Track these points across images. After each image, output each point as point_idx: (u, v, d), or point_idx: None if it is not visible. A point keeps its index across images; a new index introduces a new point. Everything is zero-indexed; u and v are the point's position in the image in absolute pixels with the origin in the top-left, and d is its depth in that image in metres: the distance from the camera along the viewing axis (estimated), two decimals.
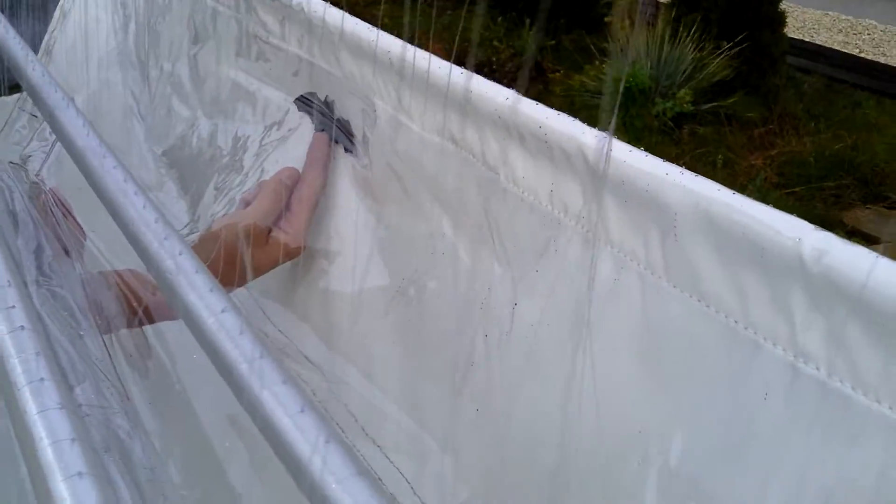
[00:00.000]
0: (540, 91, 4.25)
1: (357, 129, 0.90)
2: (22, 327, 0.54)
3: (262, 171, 1.01)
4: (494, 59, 4.38)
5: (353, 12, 0.94)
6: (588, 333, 0.63)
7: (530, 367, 0.68)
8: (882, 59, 5.37)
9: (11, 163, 1.15)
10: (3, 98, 1.47)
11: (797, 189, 3.54)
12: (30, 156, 1.24)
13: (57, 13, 1.51)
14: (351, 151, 0.92)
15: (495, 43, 4.48)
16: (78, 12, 1.47)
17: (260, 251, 0.92)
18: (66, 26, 1.48)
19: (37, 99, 0.87)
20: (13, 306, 0.58)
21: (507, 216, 0.71)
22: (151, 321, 0.88)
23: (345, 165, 0.93)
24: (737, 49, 4.00)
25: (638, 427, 0.60)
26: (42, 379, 0.50)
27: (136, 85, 1.35)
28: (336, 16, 0.90)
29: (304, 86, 0.99)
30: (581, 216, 0.64)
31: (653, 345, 0.59)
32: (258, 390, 0.47)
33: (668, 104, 3.92)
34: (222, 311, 0.53)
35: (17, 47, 0.96)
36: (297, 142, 0.99)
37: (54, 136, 1.29)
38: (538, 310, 0.67)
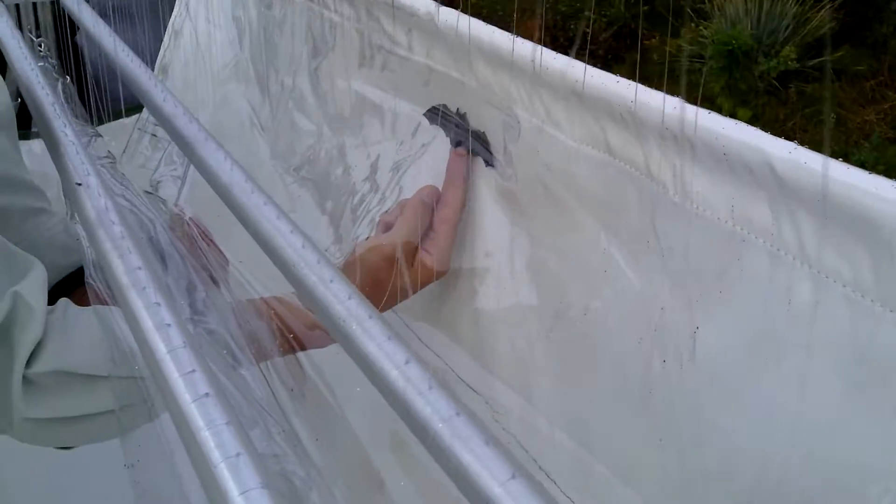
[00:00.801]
0: (635, 61, 4.15)
1: (497, 141, 0.87)
2: (207, 394, 0.53)
3: (400, 189, 0.99)
4: (587, 30, 4.30)
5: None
6: (787, 360, 0.59)
7: (720, 395, 0.64)
8: None
9: (147, 192, 1.14)
10: (122, 120, 1.48)
11: None
12: (160, 181, 1.24)
13: (168, 31, 1.51)
14: (492, 165, 0.89)
15: (586, 13, 4.40)
16: (190, 29, 1.46)
17: (406, 274, 0.90)
18: (180, 44, 1.48)
19: (167, 125, 0.86)
20: (182, 345, 0.57)
21: (680, 233, 0.67)
22: (303, 349, 0.87)
23: (486, 180, 0.90)
24: (840, 0, 3.85)
25: (855, 464, 0.56)
26: (238, 454, 0.48)
27: (254, 99, 1.34)
28: (471, 25, 0.87)
29: (435, 97, 0.96)
30: (770, 233, 0.60)
31: (869, 376, 0.54)
32: (459, 452, 0.45)
33: (773, 63, 3.79)
34: (406, 362, 0.51)
35: (142, 73, 0.95)
36: (433, 157, 0.97)
37: (186, 161, 1.29)
38: (725, 334, 0.63)
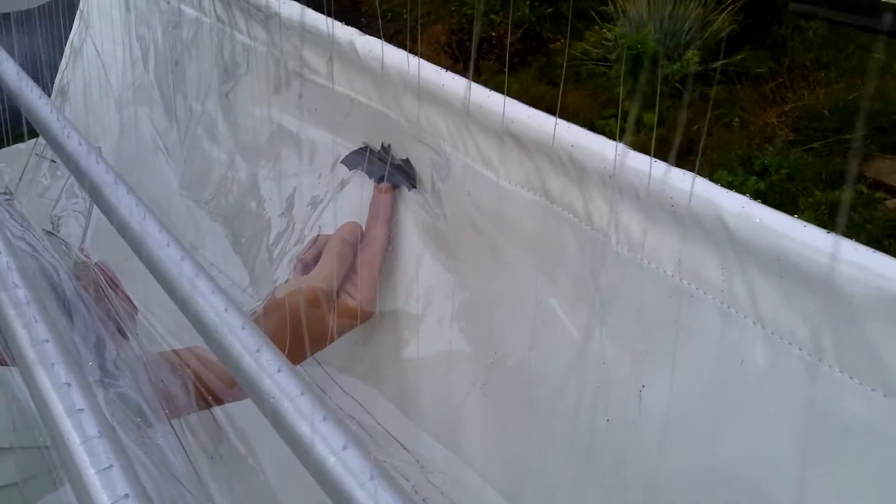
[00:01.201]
0: (543, 64, 4.16)
1: (425, 177, 0.84)
2: (111, 466, 0.49)
3: (319, 227, 0.95)
4: (493, 33, 4.29)
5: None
6: (740, 423, 0.57)
7: (669, 456, 0.62)
8: None
9: (48, 232, 1.08)
10: (17, 146, 1.40)
11: (815, 144, 3.47)
12: (61, 216, 1.17)
13: (67, 51, 1.44)
14: (415, 187, 0.85)
15: (492, 16, 4.39)
16: (90, 49, 1.39)
17: (328, 319, 0.86)
18: (79, 64, 1.41)
19: (71, 165, 0.80)
20: (82, 409, 0.53)
21: (623, 285, 0.64)
22: (220, 403, 0.83)
23: (414, 219, 0.86)
24: (741, 2, 3.92)
25: None
26: None
27: (161, 124, 1.28)
28: (396, 56, 0.83)
29: (358, 128, 0.92)
30: (720, 290, 0.57)
31: (825, 442, 0.52)
32: (350, 487, 0.42)
33: (676, 66, 3.83)
34: (278, 371, 0.49)
35: (34, 97, 0.88)
36: (355, 191, 0.93)
37: (90, 200, 1.22)
38: (674, 393, 0.61)
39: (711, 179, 0.60)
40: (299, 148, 1.01)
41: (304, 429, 0.48)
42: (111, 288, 0.90)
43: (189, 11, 1.16)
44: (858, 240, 0.51)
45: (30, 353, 0.57)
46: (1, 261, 0.69)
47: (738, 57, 3.94)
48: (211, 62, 1.13)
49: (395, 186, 0.88)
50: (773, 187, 3.06)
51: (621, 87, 3.56)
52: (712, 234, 0.57)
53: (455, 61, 4.22)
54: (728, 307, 0.57)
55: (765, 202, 0.56)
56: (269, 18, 1.01)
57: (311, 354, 0.89)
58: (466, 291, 0.81)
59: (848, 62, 4.07)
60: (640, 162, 0.61)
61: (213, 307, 0.58)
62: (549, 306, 0.71)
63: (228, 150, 1.11)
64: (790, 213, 0.55)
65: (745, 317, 0.56)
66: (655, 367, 0.62)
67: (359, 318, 0.86)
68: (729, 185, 0.57)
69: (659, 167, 0.60)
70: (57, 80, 1.45)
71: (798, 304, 0.53)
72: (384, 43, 0.86)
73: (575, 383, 0.69)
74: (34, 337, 0.59)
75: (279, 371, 0.53)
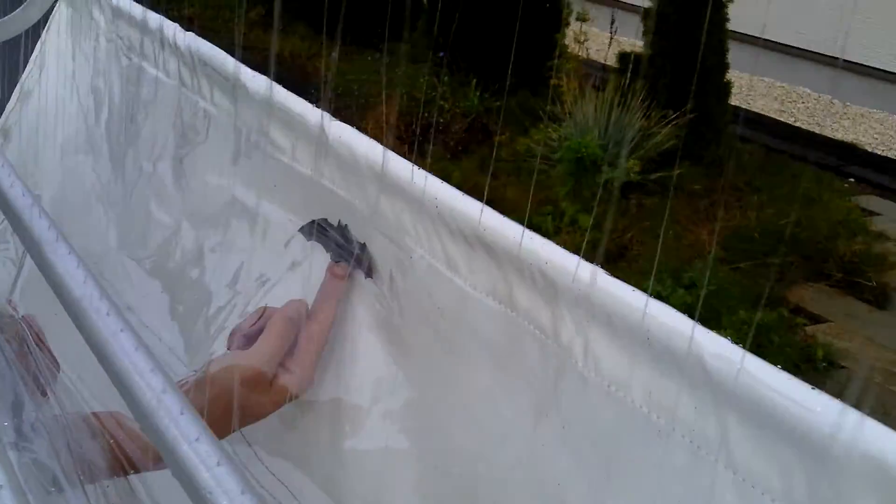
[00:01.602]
0: (485, 156, 4.19)
1: (384, 269, 0.81)
2: None
3: (266, 305, 0.91)
4: (441, 119, 4.33)
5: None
6: None
7: None
8: (817, 130, 5.45)
9: None
10: None
11: (742, 265, 3.53)
12: None
13: (16, 92, 1.39)
14: (371, 277, 0.83)
15: (441, 102, 4.43)
16: (41, 93, 1.35)
17: (260, 397, 0.83)
18: (27, 107, 1.37)
19: (10, 215, 0.76)
20: None
21: (585, 408, 0.62)
22: (137, 471, 0.79)
23: (367, 308, 0.84)
24: (684, 118, 4.01)
25: None
26: None
27: (105, 177, 1.24)
28: (367, 146, 0.81)
29: (316, 211, 0.89)
30: (691, 429, 0.56)
31: None
32: None
33: (616, 173, 3.90)
34: (217, 464, 0.45)
35: None
36: (304, 272, 0.90)
37: (23, 251, 1.17)
38: None
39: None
40: (252, 222, 0.98)
41: (202, 474, 0.45)
42: (37, 344, 0.85)
43: (150, 70, 1.13)
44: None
45: None
46: None
47: (677, 171, 4.02)
48: (168, 124, 1.10)
49: (348, 272, 0.85)
50: (699, 301, 3.10)
51: (564, 187, 3.60)
52: (687, 370, 0.55)
53: (402, 143, 4.23)
54: (698, 448, 0.55)
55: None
56: (236, 89, 0.99)
57: (238, 430, 0.85)
58: (415, 390, 0.78)
59: (780, 189, 4.18)
60: (617, 288, 0.60)
61: (151, 387, 0.54)
62: (505, 418, 0.69)
63: (175, 216, 1.07)
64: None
65: (716, 461, 0.54)
66: (613, 498, 0.60)
67: (293, 396, 0.83)
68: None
69: (636, 296, 0.58)
70: (1, 121, 1.40)
71: (775, 454, 0.51)
72: (354, 130, 0.85)
73: (528, 500, 0.66)
74: None
75: (218, 465, 0.49)
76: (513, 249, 0.67)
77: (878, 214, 4.22)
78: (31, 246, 0.73)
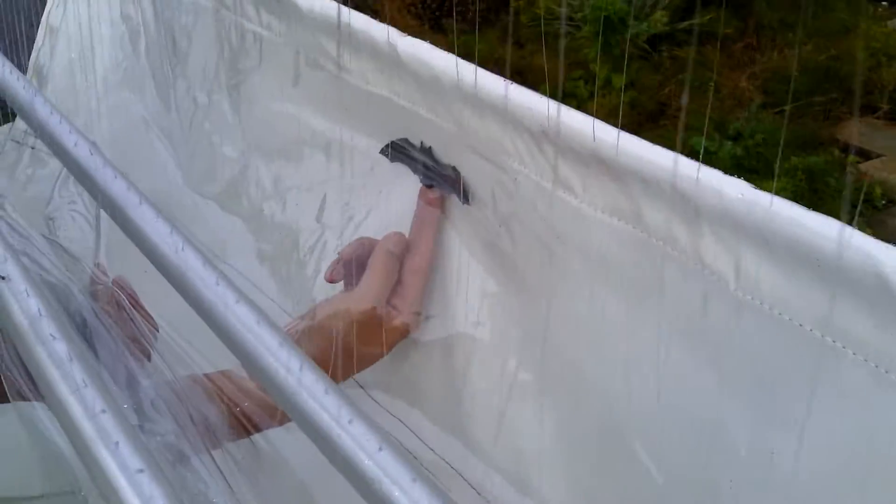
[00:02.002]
0: (507, 25, 4.07)
1: (484, 193, 0.76)
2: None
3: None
4: None
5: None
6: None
7: None
8: None
9: (49, 239, 0.99)
10: None
11: (786, 107, 3.44)
12: (54, 217, 1.08)
13: (42, 29, 1.33)
14: (468, 202, 0.78)
15: None
16: (71, 26, 1.29)
17: (374, 341, 0.79)
18: (58, 44, 1.30)
19: (84, 179, 0.72)
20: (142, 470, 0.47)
21: (744, 334, 0.58)
22: (258, 430, 0.76)
23: (470, 233, 0.79)
24: None
25: None
26: None
27: (155, 111, 1.18)
28: (446, 62, 0.75)
29: (399, 134, 0.84)
30: (874, 350, 0.51)
31: None
32: None
33: (643, 26, 3.77)
34: (349, 422, 0.43)
35: (18, 84, 0.79)
36: (396, 198, 0.85)
37: (97, 208, 1.13)
38: (811, 462, 0.55)
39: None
40: (327, 150, 0.93)
41: (362, 459, 0.42)
42: (133, 307, 0.82)
43: None
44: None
45: (64, 393, 0.51)
46: (30, 306, 0.61)
47: (706, 17, 3.89)
48: (214, 51, 1.04)
49: (442, 197, 0.81)
50: (748, 152, 3.02)
51: (598, 50, 3.49)
52: (866, 290, 0.51)
53: (419, 20, 4.11)
54: (876, 367, 0.51)
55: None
56: (286, 8, 0.92)
57: (353, 375, 0.82)
58: (535, 322, 0.74)
59: (813, 22, 4.04)
60: (771, 201, 0.54)
61: (265, 344, 0.51)
62: (644, 350, 0.65)
63: (242, 148, 1.02)
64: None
65: None
66: (786, 431, 0.56)
67: (405, 333, 0.80)
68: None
69: (795, 211, 0.53)
70: (32, 60, 1.34)
71: None
72: (431, 47, 0.78)
73: (685, 445, 0.62)
74: (67, 375, 0.52)
75: (350, 422, 0.45)
76: (638, 165, 0.61)
77: None
78: (113, 210, 0.68)
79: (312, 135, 0.94)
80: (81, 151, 0.69)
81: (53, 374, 0.54)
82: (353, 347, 0.78)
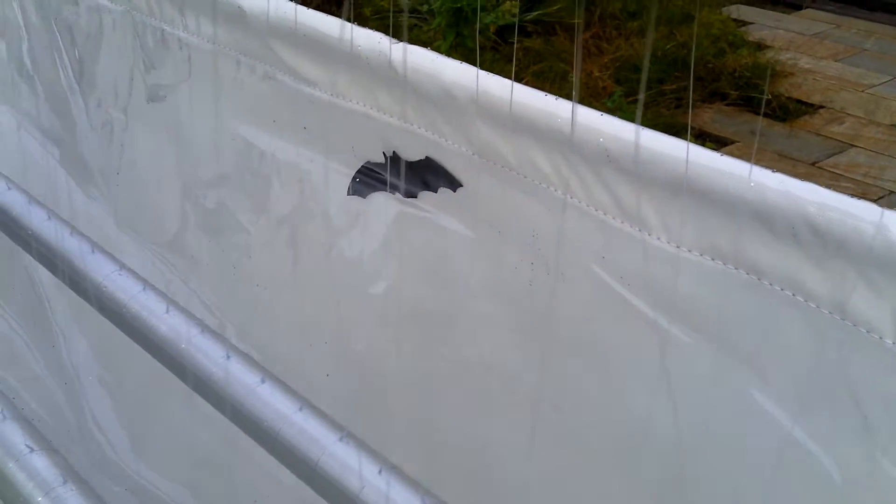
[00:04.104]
0: (348, 18, 3.93)
1: (524, 229, 0.64)
2: None
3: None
4: None
5: None
6: None
7: None
8: None
9: None
10: None
11: (640, 96, 3.45)
12: None
13: None
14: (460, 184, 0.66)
15: None
16: None
17: None
18: None
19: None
20: None
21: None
22: None
23: (504, 270, 0.67)
24: None
25: None
26: None
27: (49, 125, 1.00)
28: (460, 72, 0.63)
29: (374, 150, 0.71)
30: None
31: None
32: None
33: (492, 17, 3.71)
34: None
35: None
36: (375, 220, 0.73)
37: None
38: None
39: None
40: (279, 175, 0.79)
41: None
42: None
43: None
44: None
45: None
46: None
47: (554, 7, 3.87)
48: (129, 60, 0.88)
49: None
50: None
51: (450, 42, 3.41)
52: None
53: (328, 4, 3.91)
54: None
55: None
56: (225, 10, 0.78)
57: None
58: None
59: (653, 10, 4.08)
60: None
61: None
62: (755, 402, 0.55)
63: (185, 180, 0.87)
64: None
65: None
66: None
67: None
68: None
69: None
70: None
71: None
72: (437, 55, 0.66)
73: None
74: None
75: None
76: (742, 193, 0.51)
77: (750, 23, 4.20)
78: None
79: (261, 157, 0.80)
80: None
81: None
82: None
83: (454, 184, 0.67)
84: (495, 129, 0.62)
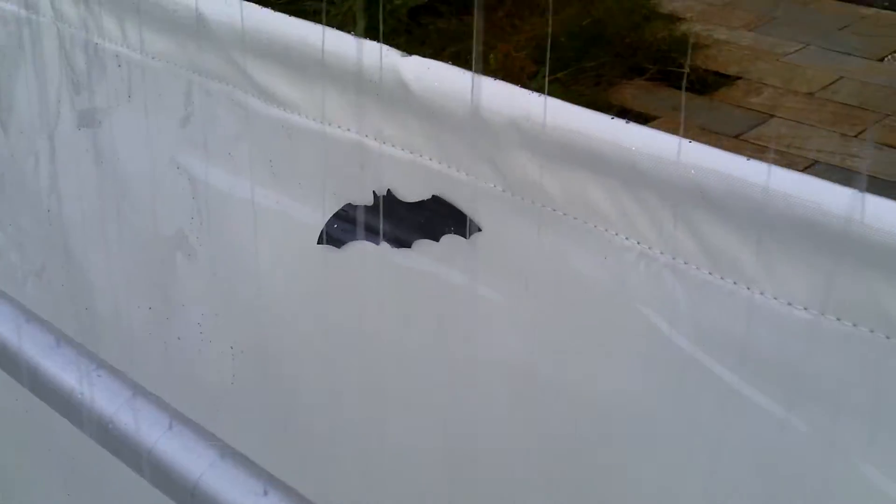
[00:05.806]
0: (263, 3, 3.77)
1: (545, 281, 0.54)
2: None
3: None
4: None
5: None
6: None
7: None
8: None
9: None
10: None
11: (559, 75, 3.37)
12: None
13: None
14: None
15: None
16: None
17: None
18: None
19: None
20: None
21: None
22: None
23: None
24: None
25: None
26: None
27: None
28: (495, 91, 0.53)
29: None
30: None
31: None
32: None
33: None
34: None
35: None
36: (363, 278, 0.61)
37: None
38: None
39: None
40: (234, 220, 0.67)
41: None
42: None
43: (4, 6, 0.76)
44: None
45: None
46: None
47: None
48: (55, 79, 0.75)
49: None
50: None
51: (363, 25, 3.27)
52: None
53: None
54: None
55: None
56: (174, 20, 0.65)
57: None
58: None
59: None
60: None
61: None
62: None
63: (129, 230, 0.73)
64: None
65: None
66: None
67: None
68: None
69: None
70: None
71: None
72: (448, 67, 0.56)
73: None
74: None
75: None
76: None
77: None
78: None
79: (220, 197, 0.68)
80: None
81: None
82: None
83: (470, 229, 0.56)
84: (536, 160, 0.52)
